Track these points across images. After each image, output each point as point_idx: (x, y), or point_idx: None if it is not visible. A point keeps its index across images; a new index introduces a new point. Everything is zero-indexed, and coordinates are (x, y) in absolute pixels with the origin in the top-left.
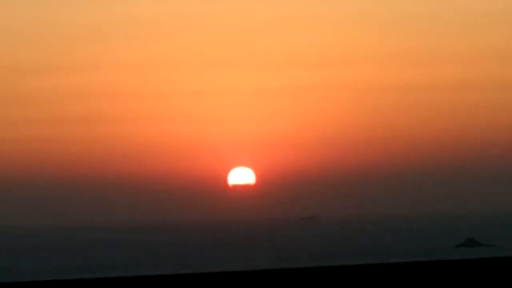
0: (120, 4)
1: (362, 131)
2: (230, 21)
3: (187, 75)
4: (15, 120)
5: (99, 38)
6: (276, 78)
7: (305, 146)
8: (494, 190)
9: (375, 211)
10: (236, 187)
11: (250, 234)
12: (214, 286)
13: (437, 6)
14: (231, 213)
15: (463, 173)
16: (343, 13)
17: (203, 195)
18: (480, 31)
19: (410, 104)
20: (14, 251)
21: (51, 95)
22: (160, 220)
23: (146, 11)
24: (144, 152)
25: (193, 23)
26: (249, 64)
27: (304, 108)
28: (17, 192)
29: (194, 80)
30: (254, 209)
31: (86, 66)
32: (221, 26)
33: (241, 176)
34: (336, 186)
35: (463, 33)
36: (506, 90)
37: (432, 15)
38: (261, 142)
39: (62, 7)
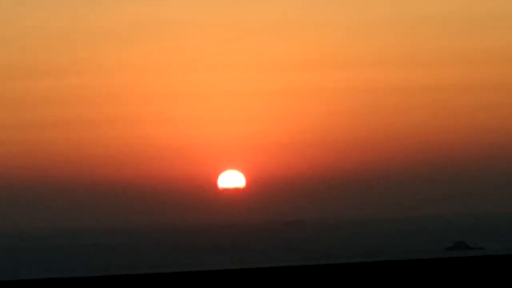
0: (118, 7)
1: (355, 133)
2: (228, 24)
3: (177, 78)
4: (14, 123)
5: (95, 41)
6: (267, 81)
7: (296, 149)
8: (488, 192)
9: (365, 214)
10: (226, 190)
11: (240, 237)
12: (205, 284)
13: (438, 8)
14: (221, 216)
15: (454, 175)
16: (341, 16)
17: (193, 198)
18: (481, 33)
19: (401, 107)
20: (8, 253)
21: (49, 97)
22: (150, 222)
23: (144, 14)
24: (133, 155)
25: (190, 26)
26: (241, 67)
27: (295, 110)
28: (15, 195)
29: (183, 83)
30: (244, 212)
31: (79, 69)
32: (219, 29)
33: (231, 179)
34: (327, 189)
35: (464, 35)
36: (506, 92)
37: (433, 17)
38: (252, 145)
39: (62, 10)
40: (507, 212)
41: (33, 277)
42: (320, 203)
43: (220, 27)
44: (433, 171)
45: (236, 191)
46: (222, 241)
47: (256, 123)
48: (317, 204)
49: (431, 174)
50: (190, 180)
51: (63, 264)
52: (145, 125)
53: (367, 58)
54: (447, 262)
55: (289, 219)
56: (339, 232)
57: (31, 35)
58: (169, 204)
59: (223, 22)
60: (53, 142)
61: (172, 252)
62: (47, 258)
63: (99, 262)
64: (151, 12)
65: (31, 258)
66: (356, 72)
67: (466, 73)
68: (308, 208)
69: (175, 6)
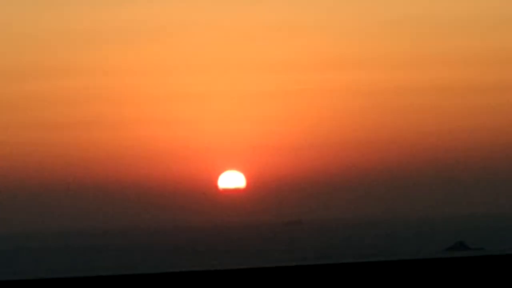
0: (118, 7)
1: (356, 134)
2: (228, 24)
3: (177, 79)
4: (14, 123)
5: (95, 41)
6: (266, 82)
7: (296, 149)
8: (488, 192)
9: (365, 214)
10: (226, 191)
11: (240, 237)
12: (205, 284)
13: (439, 8)
14: (221, 217)
15: (454, 175)
16: (342, 17)
17: (193, 199)
18: (482, 33)
19: (399, 107)
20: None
21: (48, 98)
22: (150, 223)
23: (143, 14)
24: (134, 156)
25: (190, 27)
26: (239, 68)
27: (294, 112)
28: (15, 195)
29: (184, 84)
30: (244, 213)
31: (78, 70)
32: (219, 29)
33: (232, 179)
34: (327, 189)
35: (464, 35)
36: (506, 92)
37: (434, 17)
38: (252, 146)
39: (62, 10)
40: (507, 212)
41: (33, 277)
42: (320, 204)
43: (220, 27)
44: (434, 171)
45: (236, 191)
46: (222, 241)
47: (256, 123)
48: (317, 205)
49: (431, 174)
50: (190, 181)
51: (63, 264)
52: (145, 126)
53: (368, 59)
54: (447, 262)
55: (289, 220)
56: (339, 232)
57: (31, 35)
58: (169, 204)
59: (223, 22)
60: (53, 142)
61: (172, 252)
62: (47, 258)
63: (99, 262)
64: (151, 12)
65: (31, 258)
66: (357, 73)
67: (467, 74)
68: (308, 208)
69: (175, 6)
